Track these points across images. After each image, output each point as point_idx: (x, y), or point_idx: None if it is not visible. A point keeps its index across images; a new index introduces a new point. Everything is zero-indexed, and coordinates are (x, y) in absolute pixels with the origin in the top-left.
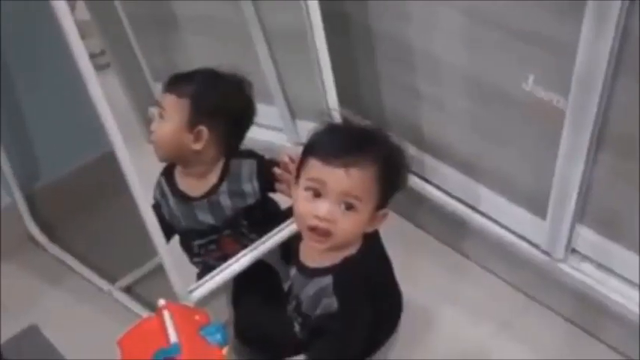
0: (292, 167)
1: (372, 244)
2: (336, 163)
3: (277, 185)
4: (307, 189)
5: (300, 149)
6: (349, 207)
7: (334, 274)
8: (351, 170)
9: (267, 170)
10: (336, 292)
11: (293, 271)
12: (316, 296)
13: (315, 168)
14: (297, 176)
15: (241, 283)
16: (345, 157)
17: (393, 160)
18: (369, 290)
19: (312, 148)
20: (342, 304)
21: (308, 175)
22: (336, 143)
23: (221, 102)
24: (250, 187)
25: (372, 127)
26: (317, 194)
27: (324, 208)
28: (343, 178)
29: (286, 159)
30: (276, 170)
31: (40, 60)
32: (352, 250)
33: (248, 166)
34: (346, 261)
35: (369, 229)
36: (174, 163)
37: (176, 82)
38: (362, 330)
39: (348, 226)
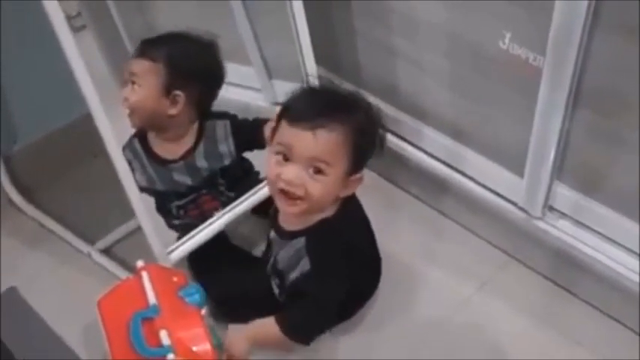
0: None
1: (349, 208)
2: (303, 126)
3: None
4: (277, 153)
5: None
6: (317, 171)
7: (307, 235)
8: (319, 133)
9: (241, 129)
10: (308, 252)
11: (272, 233)
12: (293, 258)
13: (284, 131)
14: (272, 139)
15: (200, 256)
16: (313, 120)
17: (365, 126)
18: (345, 252)
19: (285, 111)
20: (315, 264)
21: (278, 139)
22: (307, 106)
23: (195, 65)
24: (226, 147)
25: (349, 91)
26: (286, 158)
27: (292, 172)
28: (310, 141)
29: (273, 124)
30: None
31: (16, 22)
32: (328, 214)
33: (222, 127)
34: (320, 223)
35: (344, 194)
36: (148, 129)
37: (147, 47)
38: (336, 290)
39: (317, 189)
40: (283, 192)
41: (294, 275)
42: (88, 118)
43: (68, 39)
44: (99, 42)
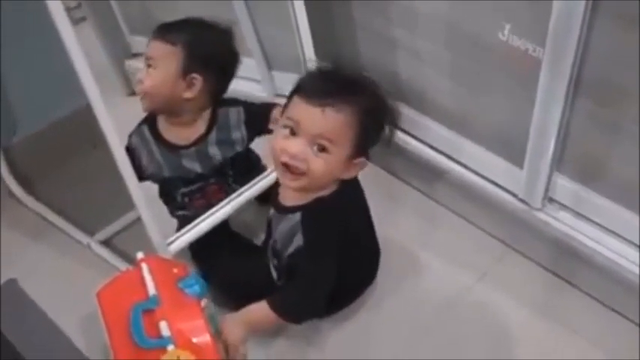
0: None
1: (347, 190)
2: (313, 102)
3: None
4: (285, 127)
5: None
6: (322, 149)
7: (303, 211)
8: (327, 111)
9: (253, 116)
10: (302, 227)
11: (271, 211)
12: (288, 234)
13: (294, 107)
14: (282, 114)
15: (201, 244)
16: (324, 98)
17: (374, 111)
18: (339, 231)
19: (298, 89)
20: (307, 239)
21: (287, 114)
22: (319, 85)
23: (214, 50)
24: (239, 134)
25: (364, 76)
26: (293, 133)
27: (297, 145)
28: (318, 118)
29: (278, 114)
30: (271, 126)
31: (16, 14)
32: (325, 193)
33: (236, 114)
34: (316, 201)
35: (345, 176)
36: (160, 113)
37: (166, 30)
38: (327, 268)
39: (319, 166)
40: (286, 166)
41: (289, 251)
42: (87, 109)
43: (68, 30)
44: (98, 33)
